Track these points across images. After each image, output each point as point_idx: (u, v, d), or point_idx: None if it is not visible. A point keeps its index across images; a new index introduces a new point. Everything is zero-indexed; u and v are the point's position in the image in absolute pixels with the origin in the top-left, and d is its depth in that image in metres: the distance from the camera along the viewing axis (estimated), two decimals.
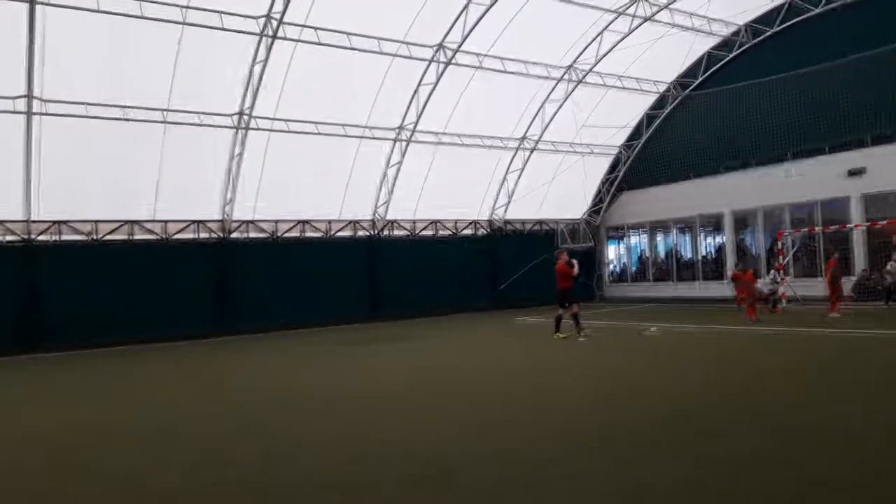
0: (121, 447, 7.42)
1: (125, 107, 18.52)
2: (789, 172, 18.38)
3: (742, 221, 26.15)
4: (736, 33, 24.98)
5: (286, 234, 23.32)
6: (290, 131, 21.33)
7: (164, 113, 19.16)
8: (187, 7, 17.11)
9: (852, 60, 20.80)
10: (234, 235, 22.25)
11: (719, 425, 6.97)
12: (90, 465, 6.76)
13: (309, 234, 23.79)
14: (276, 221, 23.10)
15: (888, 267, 19.21)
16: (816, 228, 22.33)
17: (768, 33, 24.29)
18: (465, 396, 9.45)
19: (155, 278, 20.38)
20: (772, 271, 21.31)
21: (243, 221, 22.38)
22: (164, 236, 21.09)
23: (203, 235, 21.84)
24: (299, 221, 23.51)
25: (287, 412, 9.01)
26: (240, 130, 20.48)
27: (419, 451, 6.55)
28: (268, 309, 21.99)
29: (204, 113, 19.74)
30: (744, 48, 25.12)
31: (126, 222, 20.46)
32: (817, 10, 22.51)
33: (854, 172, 21.40)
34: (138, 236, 20.68)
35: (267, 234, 23.00)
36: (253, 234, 22.80)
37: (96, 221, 20.03)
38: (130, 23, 16.80)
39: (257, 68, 19.21)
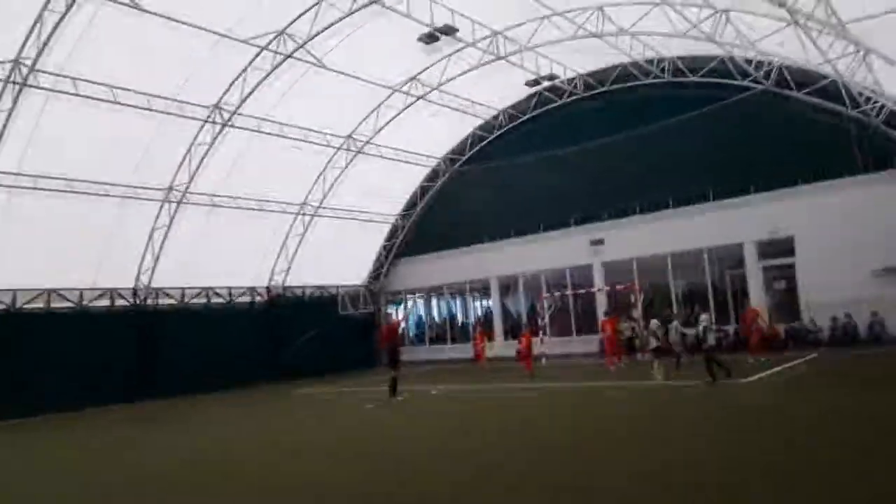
0: None
1: None
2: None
3: (506, 287, 28.52)
4: (496, 117, 27.80)
5: (27, 305, 20.22)
6: (36, 188, 18.84)
7: None
8: None
9: (589, 146, 24.13)
10: None
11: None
12: None
13: (56, 304, 20.85)
14: (15, 290, 19.96)
15: (619, 326, 21.93)
16: (567, 292, 25.13)
17: (522, 119, 27.43)
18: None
19: None
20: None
21: None
22: None
23: None
24: (44, 290, 20.55)
25: None
26: None
27: None
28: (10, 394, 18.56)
29: None
30: (503, 130, 28.00)
31: None
32: (562, 101, 26.04)
33: (595, 242, 24.59)
34: None
35: (4, 305, 19.75)
36: None
37: None
38: None
39: (1, 117, 16.87)
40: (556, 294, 25.37)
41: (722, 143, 21.92)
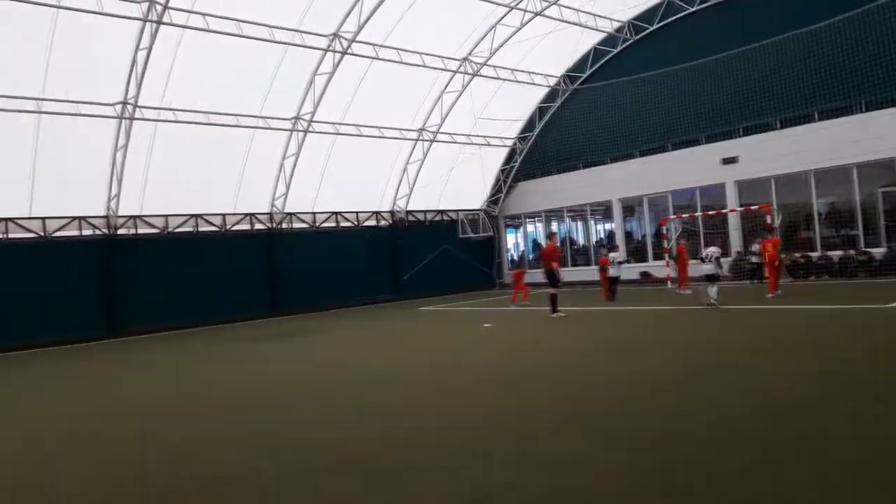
0: None
1: None
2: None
3: (629, 209, 27.64)
4: (619, 29, 26.25)
5: (178, 229, 22.38)
6: (178, 121, 20.45)
7: (38, 102, 17.88)
8: None
9: (724, 56, 22.44)
10: (120, 232, 21.11)
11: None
12: None
13: (203, 228, 22.94)
14: (167, 216, 22.12)
15: (752, 248, 20.84)
16: (696, 214, 23.96)
17: (648, 30, 25.70)
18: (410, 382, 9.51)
19: (34, 278, 19.01)
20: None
21: (130, 217, 21.27)
22: (42, 234, 19.70)
23: (87, 232, 20.58)
24: (192, 216, 22.63)
25: (196, 414, 8.72)
26: (124, 120, 19.42)
27: (332, 444, 6.57)
28: (160, 308, 21.05)
29: (83, 102, 18.57)
30: (627, 44, 26.45)
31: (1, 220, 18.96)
32: (693, 9, 24.09)
33: (727, 160, 23.09)
34: (13, 234, 19.19)
35: (157, 230, 21.97)
36: (142, 231, 21.72)
37: None
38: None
39: (141, 55, 18.27)
40: (684, 216, 24.28)
41: (874, 48, 19.47)
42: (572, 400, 7.33)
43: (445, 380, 9.29)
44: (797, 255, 21.27)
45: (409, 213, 28.44)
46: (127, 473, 5.85)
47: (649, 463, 4.96)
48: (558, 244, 16.72)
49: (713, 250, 16.21)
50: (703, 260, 16.42)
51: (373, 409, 7.59)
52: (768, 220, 20.64)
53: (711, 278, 15.66)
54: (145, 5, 17.33)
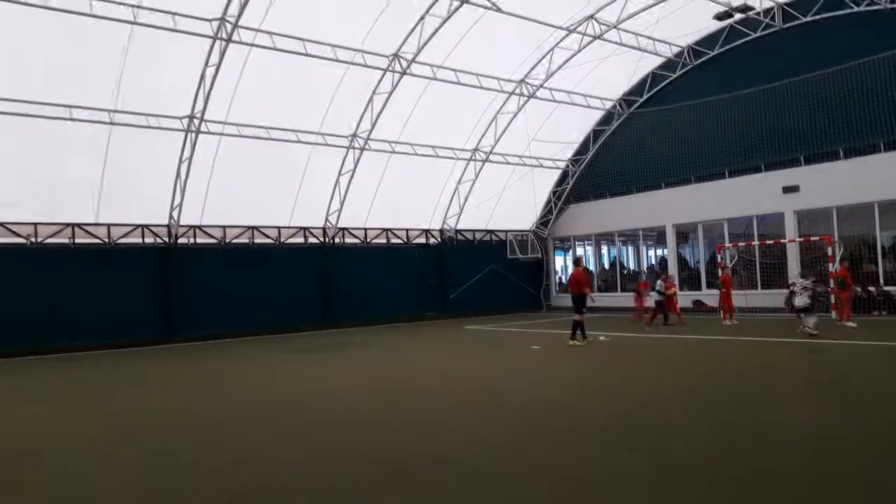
0: None
1: (70, 106, 17.96)
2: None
3: (683, 235, 27.19)
4: (679, 55, 26.03)
5: (235, 240, 22.95)
6: (241, 136, 21.06)
7: (111, 114, 18.66)
8: (138, 7, 16.73)
9: (786, 84, 22.04)
10: (181, 241, 21.76)
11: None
12: None
13: (258, 240, 23.48)
14: (225, 227, 22.72)
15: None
16: (753, 242, 23.43)
17: (709, 55, 25.41)
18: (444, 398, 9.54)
19: (98, 284, 19.73)
20: (658, 282, 21.64)
21: (191, 226, 21.92)
22: (108, 240, 20.45)
23: (149, 240, 21.30)
24: (249, 227, 23.20)
25: (268, 420, 8.90)
26: (190, 134, 20.09)
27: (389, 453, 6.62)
28: (216, 316, 21.55)
29: (153, 115, 19.31)
30: (686, 69, 26.19)
31: (68, 225, 19.76)
32: (755, 35, 23.73)
33: (788, 189, 22.55)
34: (80, 240, 19.98)
35: (215, 240, 22.57)
36: (200, 240, 22.35)
37: (35, 224, 19.27)
38: (79, 21, 16.29)
39: (210, 71, 18.92)
40: (741, 245, 23.76)
41: None
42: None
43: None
44: (858, 289, 20.56)
45: (458, 231, 28.56)
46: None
47: None
48: (586, 269, 16.41)
49: (805, 282, 15.52)
50: (792, 292, 15.71)
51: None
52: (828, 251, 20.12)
53: (806, 310, 15.15)
54: (216, 23, 17.97)
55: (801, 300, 15.32)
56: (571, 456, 6.23)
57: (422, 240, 27.78)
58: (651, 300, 21.34)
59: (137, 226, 20.96)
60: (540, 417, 8.09)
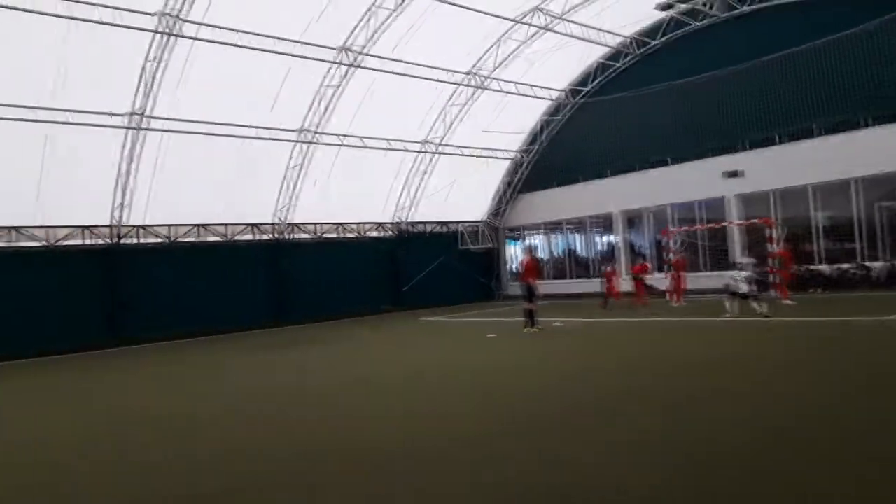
0: None
1: (7, 105, 17.17)
2: None
3: (631, 221, 27.83)
4: (624, 45, 26.51)
5: (182, 239, 22.40)
6: (188, 132, 20.50)
7: (49, 112, 17.90)
8: (76, 1, 16.06)
9: (728, 72, 22.69)
10: (125, 241, 21.12)
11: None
12: None
13: (208, 238, 22.97)
14: (172, 226, 22.15)
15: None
16: (695, 227, 24.16)
17: (653, 45, 25.97)
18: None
19: (40, 287, 19.00)
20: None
21: (135, 226, 21.30)
22: (48, 242, 19.69)
23: (89, 242, 20.59)
24: (196, 225, 22.67)
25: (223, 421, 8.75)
26: (131, 131, 19.46)
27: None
28: (165, 318, 21.03)
29: (93, 112, 18.60)
30: (631, 59, 26.71)
31: (6, 228, 18.93)
32: (696, 25, 24.38)
33: (730, 174, 23.30)
34: (20, 243, 19.18)
35: (162, 240, 21.99)
36: (145, 240, 21.75)
37: None
38: (16, 16, 15.53)
39: (150, 66, 18.33)
40: (685, 228, 24.48)
41: (878, 63, 19.80)
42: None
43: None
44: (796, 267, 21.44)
45: (411, 224, 28.54)
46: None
47: None
48: (534, 257, 16.60)
49: (743, 274, 16.04)
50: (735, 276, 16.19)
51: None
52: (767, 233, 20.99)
53: (753, 297, 15.67)
54: (157, 17, 17.40)
55: (746, 288, 15.92)
56: (534, 440, 6.35)
57: (375, 233, 27.67)
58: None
59: (80, 227, 20.23)
60: (505, 404, 8.21)
